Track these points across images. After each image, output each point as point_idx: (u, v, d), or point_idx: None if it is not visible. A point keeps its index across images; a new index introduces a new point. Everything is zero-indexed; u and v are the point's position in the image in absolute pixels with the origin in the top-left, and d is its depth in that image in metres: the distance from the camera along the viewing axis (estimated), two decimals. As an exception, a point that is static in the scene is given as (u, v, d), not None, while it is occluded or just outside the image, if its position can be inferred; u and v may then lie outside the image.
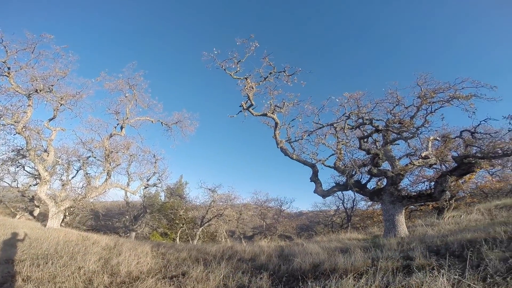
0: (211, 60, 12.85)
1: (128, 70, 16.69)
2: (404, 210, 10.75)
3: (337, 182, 12.69)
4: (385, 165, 11.90)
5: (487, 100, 10.55)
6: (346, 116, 11.99)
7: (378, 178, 12.34)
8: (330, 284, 4.09)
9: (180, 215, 23.53)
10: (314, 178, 12.92)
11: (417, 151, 11.69)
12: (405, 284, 3.76)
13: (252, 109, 13.74)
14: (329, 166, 12.79)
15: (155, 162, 21.30)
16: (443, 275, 3.59)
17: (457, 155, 11.09)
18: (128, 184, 21.45)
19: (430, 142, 11.21)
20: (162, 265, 6.51)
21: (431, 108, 11.06)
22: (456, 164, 10.01)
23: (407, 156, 12.12)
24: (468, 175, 12.56)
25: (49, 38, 13.55)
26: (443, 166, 13.08)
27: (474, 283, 3.40)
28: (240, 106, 13.66)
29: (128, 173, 21.50)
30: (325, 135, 13.07)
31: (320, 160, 12.76)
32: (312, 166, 12.92)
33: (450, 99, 10.96)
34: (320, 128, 12.86)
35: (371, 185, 12.27)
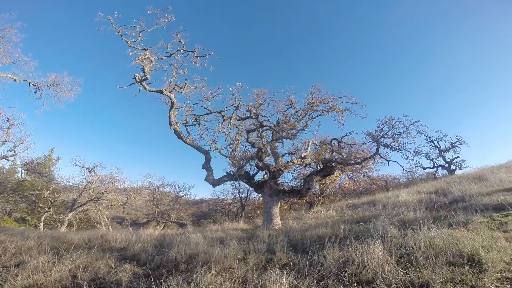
0: (107, 22, 10.91)
1: (-1, 21, 13.31)
2: (279, 203, 11.83)
3: (228, 172, 12.83)
4: (272, 160, 12.84)
5: (355, 116, 12.86)
6: (235, 106, 12.18)
7: (265, 172, 13.19)
8: (191, 278, 4.13)
9: (45, 197, 18.90)
10: (206, 165, 12.65)
11: (297, 151, 13.14)
12: (259, 281, 3.96)
13: (147, 84, 12.20)
14: (225, 156, 12.75)
15: (9, 128, 16.18)
16: (285, 275, 3.89)
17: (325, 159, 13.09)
18: (-38, 155, 15.53)
19: (309, 145, 12.80)
20: (-9, 255, 5.57)
21: (313, 114, 12.60)
22: (322, 166, 11.76)
23: (289, 154, 13.48)
24: (333, 176, 15.19)
25: None
26: (318, 167, 15.27)
27: (310, 284, 3.73)
28: (133, 78, 11.94)
29: (-36, 140, 15.51)
30: (228, 125, 12.98)
31: (217, 149, 12.56)
32: (206, 153, 12.59)
33: (329, 110, 12.72)
34: (208, 114, 12.68)
35: (259, 177, 12.98)
